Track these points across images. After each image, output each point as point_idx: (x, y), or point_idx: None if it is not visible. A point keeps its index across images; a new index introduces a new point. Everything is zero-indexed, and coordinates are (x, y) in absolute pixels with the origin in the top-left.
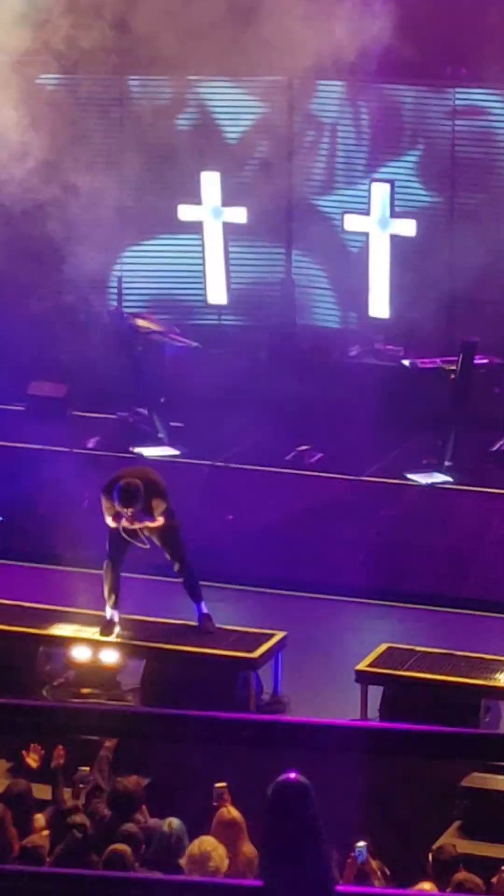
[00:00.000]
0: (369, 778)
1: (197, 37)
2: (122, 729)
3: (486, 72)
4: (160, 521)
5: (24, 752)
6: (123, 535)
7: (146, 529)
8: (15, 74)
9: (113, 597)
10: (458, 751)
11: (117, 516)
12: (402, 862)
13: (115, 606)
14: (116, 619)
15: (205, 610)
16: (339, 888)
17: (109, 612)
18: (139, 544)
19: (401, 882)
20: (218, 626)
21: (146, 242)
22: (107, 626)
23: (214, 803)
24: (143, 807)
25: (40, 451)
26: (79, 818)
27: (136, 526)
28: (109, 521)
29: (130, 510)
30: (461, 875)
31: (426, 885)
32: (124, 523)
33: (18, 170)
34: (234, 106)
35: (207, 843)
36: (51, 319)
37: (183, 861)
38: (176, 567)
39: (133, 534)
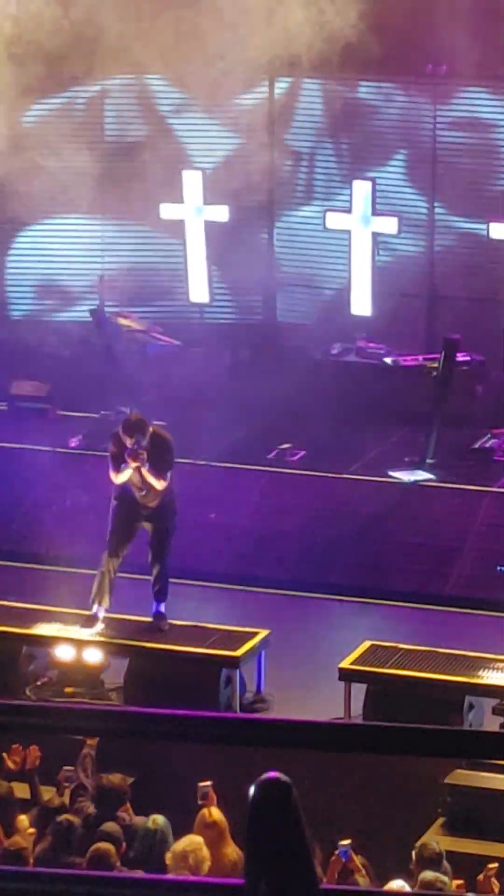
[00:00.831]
0: (353, 775)
1: (173, 34)
2: (105, 728)
3: (468, 69)
4: (161, 482)
5: (4, 755)
6: (126, 495)
7: (148, 495)
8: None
9: (105, 595)
10: (442, 749)
11: (120, 456)
12: (385, 859)
13: (104, 604)
14: (101, 615)
15: (163, 610)
16: (323, 886)
17: (95, 608)
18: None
19: (384, 879)
20: (201, 624)
21: (128, 241)
22: (89, 621)
23: (200, 802)
24: (128, 804)
25: (22, 451)
26: (68, 817)
27: (139, 463)
28: (114, 477)
29: (131, 440)
30: (430, 875)
31: (396, 884)
32: (129, 469)
33: None
34: (217, 106)
35: (191, 842)
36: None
37: (168, 858)
38: (154, 567)
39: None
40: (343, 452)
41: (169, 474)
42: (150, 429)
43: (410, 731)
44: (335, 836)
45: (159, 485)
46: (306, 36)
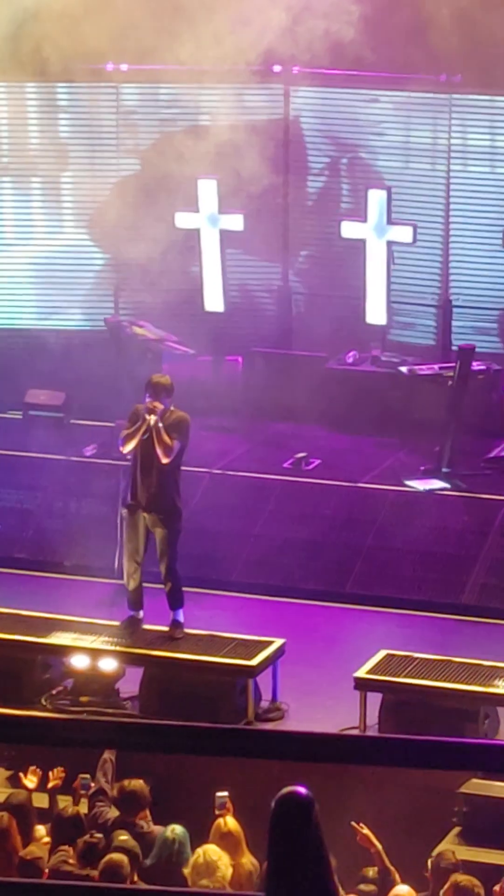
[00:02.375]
0: (367, 784)
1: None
2: (120, 741)
3: (482, 79)
4: (168, 455)
5: (20, 774)
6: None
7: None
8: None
9: (138, 602)
10: (457, 762)
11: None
12: (400, 869)
13: (140, 609)
14: (142, 616)
15: (180, 618)
16: None
17: (133, 613)
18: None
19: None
20: (216, 633)
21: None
22: (131, 624)
23: (217, 812)
24: (147, 812)
25: (37, 459)
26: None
27: (155, 415)
28: (123, 446)
29: (154, 402)
30: (461, 877)
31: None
32: (137, 438)
33: None
34: (232, 113)
35: (212, 853)
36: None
37: (186, 870)
38: (165, 572)
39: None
40: (358, 461)
41: (177, 448)
42: (171, 406)
43: (426, 744)
44: (351, 846)
45: (165, 457)
46: (322, 46)
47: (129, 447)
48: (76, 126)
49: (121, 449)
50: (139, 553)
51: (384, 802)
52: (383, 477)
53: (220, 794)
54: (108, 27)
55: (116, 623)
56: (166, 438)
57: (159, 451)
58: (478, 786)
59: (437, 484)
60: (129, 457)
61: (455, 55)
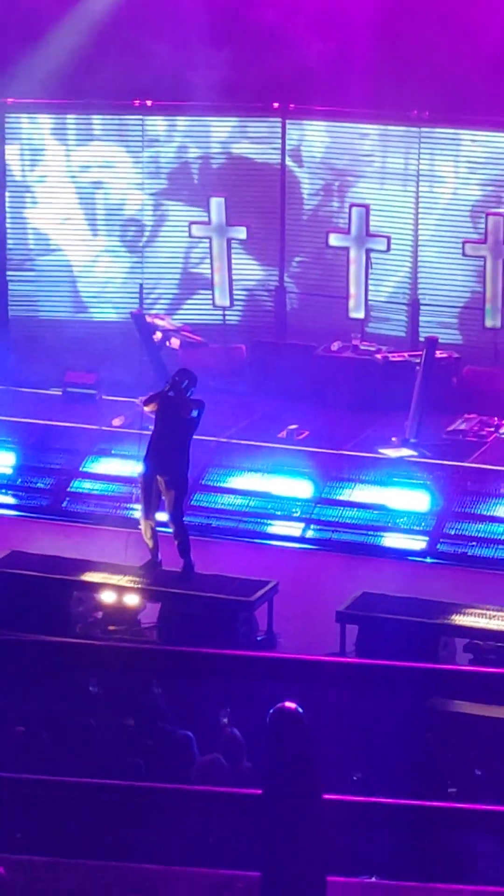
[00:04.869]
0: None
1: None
2: (142, 664)
3: (447, 115)
4: (187, 414)
5: None
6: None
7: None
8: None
9: (156, 548)
10: (419, 682)
11: (156, 398)
12: (379, 771)
13: (158, 554)
14: (160, 558)
15: (189, 563)
16: (326, 796)
17: (153, 557)
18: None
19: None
20: (220, 574)
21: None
22: (151, 565)
23: (224, 719)
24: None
25: (74, 429)
26: None
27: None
28: (147, 404)
29: (182, 381)
30: None
31: None
32: (154, 404)
33: None
34: (238, 142)
35: (213, 757)
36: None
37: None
38: (173, 525)
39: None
40: (341, 432)
41: (194, 415)
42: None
43: (395, 668)
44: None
45: (186, 414)
46: (312, 86)
47: (149, 407)
48: (107, 150)
49: (141, 403)
50: (152, 509)
51: (364, 714)
52: (361, 446)
53: (223, 711)
54: (136, 69)
55: (138, 565)
56: (187, 405)
57: (182, 410)
58: (440, 703)
59: (406, 452)
60: (150, 427)
61: (424, 95)
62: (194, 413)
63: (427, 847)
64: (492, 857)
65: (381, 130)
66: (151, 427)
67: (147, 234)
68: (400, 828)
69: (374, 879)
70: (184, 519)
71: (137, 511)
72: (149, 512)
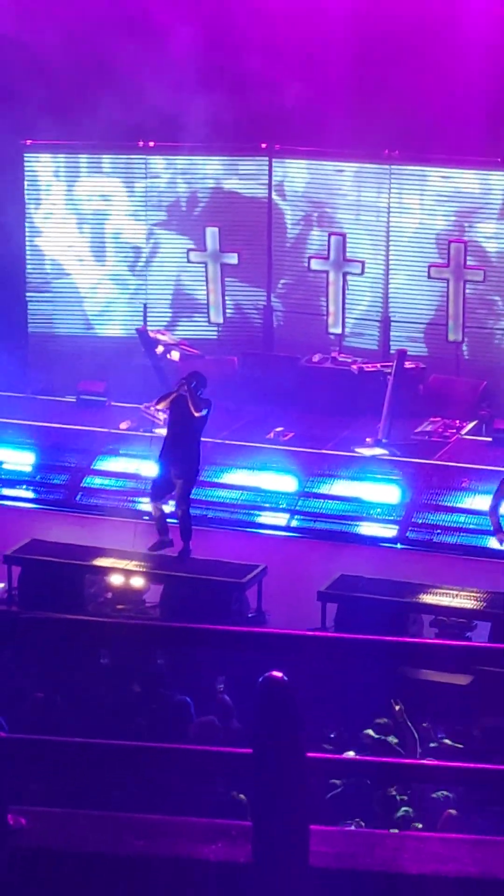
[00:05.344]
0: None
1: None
2: (147, 639)
3: (414, 155)
4: (198, 411)
5: None
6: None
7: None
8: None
9: (165, 529)
10: (391, 654)
11: (168, 397)
12: (354, 729)
13: (167, 534)
14: (169, 536)
15: (189, 548)
16: (309, 754)
17: (162, 536)
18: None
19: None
20: (215, 559)
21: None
22: (161, 544)
23: (220, 686)
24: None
25: (86, 432)
26: None
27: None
28: (159, 403)
29: (192, 382)
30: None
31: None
32: (165, 404)
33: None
34: (229, 178)
35: (208, 719)
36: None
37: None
38: (179, 513)
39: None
40: (321, 434)
41: (203, 413)
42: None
43: (369, 641)
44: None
45: (196, 413)
46: (294, 129)
47: (161, 405)
48: (115, 185)
49: (154, 404)
50: (160, 494)
51: (341, 683)
52: (339, 445)
53: (218, 678)
54: (139, 113)
55: (143, 551)
56: (196, 404)
57: (192, 408)
58: (409, 671)
59: (378, 451)
60: (154, 430)
61: (394, 136)
62: (204, 412)
63: (396, 798)
64: (453, 805)
65: (356, 168)
66: (163, 428)
67: (144, 259)
68: (373, 782)
69: (352, 828)
70: (190, 508)
71: (146, 502)
72: (156, 496)
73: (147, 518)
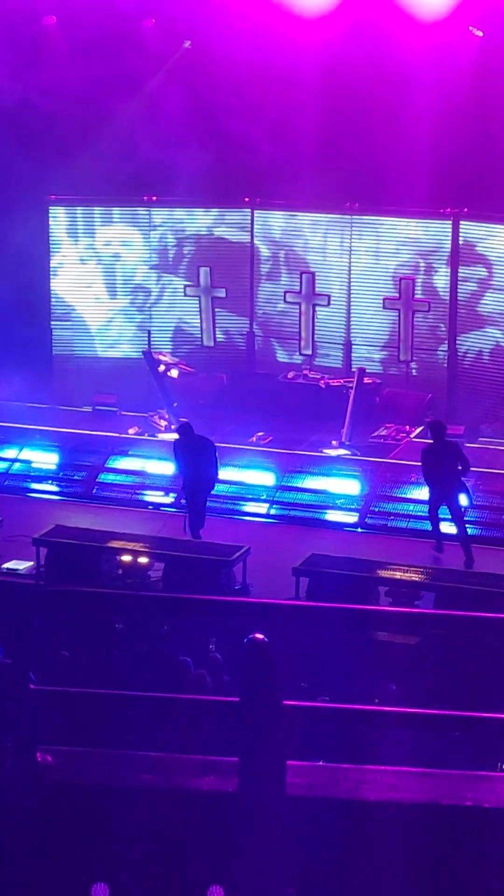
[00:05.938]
0: (301, 632)
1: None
2: (152, 608)
3: (371, 207)
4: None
5: None
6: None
7: None
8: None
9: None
10: (354, 619)
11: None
12: (323, 682)
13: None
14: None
15: (198, 531)
16: (285, 702)
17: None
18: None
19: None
20: (208, 541)
21: (167, 308)
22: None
23: (211, 646)
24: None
25: (100, 437)
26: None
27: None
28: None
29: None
30: None
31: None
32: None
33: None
34: (218, 226)
35: (201, 673)
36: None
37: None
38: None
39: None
40: (294, 437)
41: (210, 444)
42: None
43: (335, 608)
44: (292, 669)
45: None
46: (271, 186)
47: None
48: (123, 232)
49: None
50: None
51: (314, 646)
52: (310, 447)
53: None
54: (145, 172)
55: (148, 534)
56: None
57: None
58: (368, 633)
59: (342, 451)
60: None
61: (355, 191)
62: (210, 446)
63: (357, 738)
64: (404, 744)
65: (323, 217)
66: (165, 434)
67: (148, 294)
68: (339, 724)
69: (321, 763)
70: (205, 510)
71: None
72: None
73: (151, 507)
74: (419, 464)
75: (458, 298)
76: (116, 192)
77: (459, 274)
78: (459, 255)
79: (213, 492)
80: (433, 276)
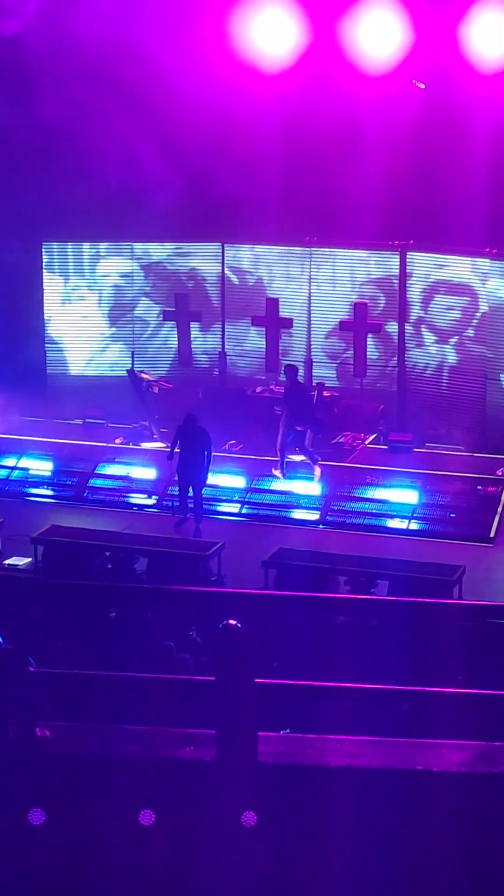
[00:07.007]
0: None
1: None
2: (139, 598)
3: (328, 240)
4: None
5: None
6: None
7: None
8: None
9: (185, 508)
10: (315, 605)
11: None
12: (290, 661)
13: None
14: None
15: (198, 528)
16: (256, 680)
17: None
18: None
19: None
20: (188, 538)
21: (148, 332)
22: (181, 522)
23: (192, 632)
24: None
25: (89, 446)
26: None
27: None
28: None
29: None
30: None
31: None
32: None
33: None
34: (192, 260)
35: (184, 656)
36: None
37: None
38: (193, 504)
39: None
40: (263, 444)
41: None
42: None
43: (299, 597)
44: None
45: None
46: (238, 224)
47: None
48: (111, 265)
49: (170, 444)
50: (184, 490)
51: (284, 630)
52: (276, 453)
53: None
54: (130, 213)
55: (134, 533)
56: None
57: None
58: (328, 617)
59: (304, 457)
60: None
61: (313, 226)
62: (206, 436)
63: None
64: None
65: (285, 250)
66: (152, 441)
67: (135, 322)
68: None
69: (287, 731)
70: (202, 502)
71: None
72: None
73: (136, 508)
74: (373, 467)
75: (406, 321)
76: (102, 229)
77: (407, 298)
78: (406, 281)
79: (206, 483)
80: (383, 301)
